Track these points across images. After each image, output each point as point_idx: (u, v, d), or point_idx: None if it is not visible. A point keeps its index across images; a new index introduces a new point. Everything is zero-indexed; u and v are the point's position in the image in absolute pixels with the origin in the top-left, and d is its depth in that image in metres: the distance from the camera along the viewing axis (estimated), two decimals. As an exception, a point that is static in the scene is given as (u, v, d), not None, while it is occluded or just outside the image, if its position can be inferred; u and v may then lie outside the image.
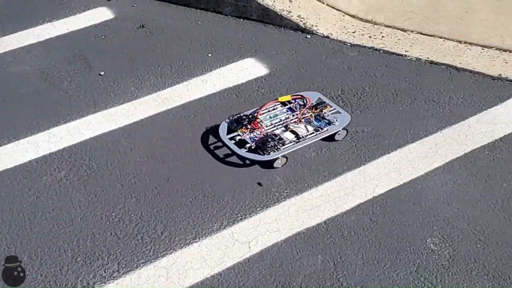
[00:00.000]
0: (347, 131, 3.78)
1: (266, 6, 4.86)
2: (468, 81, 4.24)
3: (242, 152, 3.61)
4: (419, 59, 4.43)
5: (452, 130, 3.79)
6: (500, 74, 4.22)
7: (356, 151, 3.73)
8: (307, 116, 3.77)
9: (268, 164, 3.63)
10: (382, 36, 4.70)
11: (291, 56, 4.60)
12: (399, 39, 4.65)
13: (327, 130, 3.69)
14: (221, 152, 3.78)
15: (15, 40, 4.96)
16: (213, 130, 3.92)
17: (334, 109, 3.84)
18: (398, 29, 4.79)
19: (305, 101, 3.87)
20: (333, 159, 3.71)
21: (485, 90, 4.11)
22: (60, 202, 3.53)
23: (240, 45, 4.75)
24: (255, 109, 3.90)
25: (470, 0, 5.10)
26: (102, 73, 4.53)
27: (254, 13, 4.98)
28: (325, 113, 3.79)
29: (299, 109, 3.82)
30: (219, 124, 3.86)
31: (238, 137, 3.70)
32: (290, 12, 4.86)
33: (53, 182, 3.65)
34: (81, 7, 5.34)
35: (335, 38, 4.73)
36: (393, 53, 4.51)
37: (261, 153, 3.57)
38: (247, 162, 3.71)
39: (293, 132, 3.71)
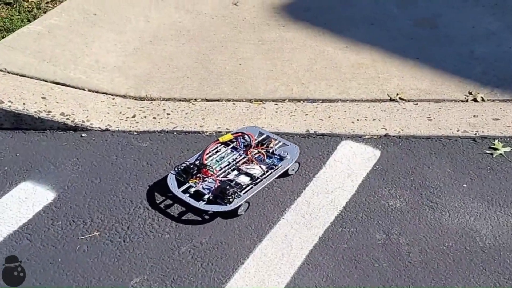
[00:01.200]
0: (299, 164, 3.71)
1: (16, 111, 4.01)
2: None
3: (202, 205, 3.37)
4: (219, 131, 4.09)
5: (294, 212, 3.55)
6: (307, 130, 4.12)
7: (207, 273, 3.24)
8: (258, 154, 3.67)
9: (232, 214, 3.42)
10: (168, 114, 4.26)
11: (75, 166, 3.88)
12: (187, 113, 4.26)
13: (281, 166, 3.58)
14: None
15: None
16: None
17: (279, 141, 3.75)
18: (180, 100, 4.39)
19: (247, 138, 3.76)
20: (184, 290, 3.17)
21: (302, 153, 3.94)
22: None
23: (5, 167, 3.84)
24: (198, 154, 3.69)
25: (237, 49, 4.93)
26: None
27: (5, 121, 4.08)
28: (271, 148, 3.70)
29: (244, 147, 3.73)
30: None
31: (192, 189, 3.47)
32: (49, 112, 4.10)
33: None
34: None
35: (117, 129, 4.13)
36: (188, 132, 4.09)
37: (222, 202, 3.34)
38: (206, 217, 3.43)
39: (247, 174, 3.54)
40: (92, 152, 3.99)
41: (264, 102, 4.35)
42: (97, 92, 4.40)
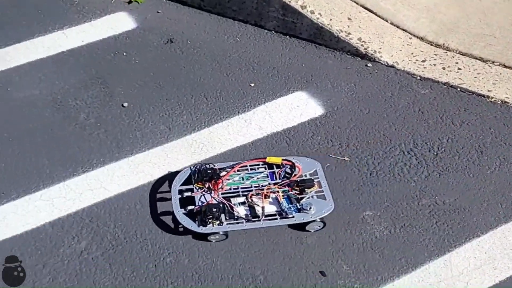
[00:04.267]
0: (324, 223, 3.24)
1: (320, 25, 4.30)
2: None
3: (179, 212, 3.22)
4: (505, 102, 3.89)
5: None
6: None
7: (438, 232, 3.25)
8: (275, 193, 3.27)
9: (202, 237, 3.23)
10: (458, 68, 4.16)
11: (350, 91, 4.08)
12: (478, 73, 4.11)
13: (293, 217, 3.17)
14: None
15: (21, 53, 4.43)
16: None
17: (322, 191, 3.29)
18: (476, 58, 4.24)
19: (293, 170, 3.38)
20: (410, 241, 3.23)
21: None
22: (80, 287, 3.07)
23: (288, 73, 4.22)
24: (231, 163, 3.45)
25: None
26: (125, 104, 4.03)
27: (304, 31, 4.43)
28: (306, 193, 3.26)
29: (281, 178, 3.36)
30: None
31: (188, 193, 3.29)
32: (349, 33, 4.31)
33: (72, 256, 3.20)
34: (97, 11, 4.80)
35: (402, 69, 4.19)
36: (473, 93, 3.98)
37: (197, 221, 3.16)
38: (180, 228, 3.30)
39: (251, 207, 3.22)
40: (371, 83, 4.14)
41: None
42: (397, 27, 4.48)
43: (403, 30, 4.48)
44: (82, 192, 3.52)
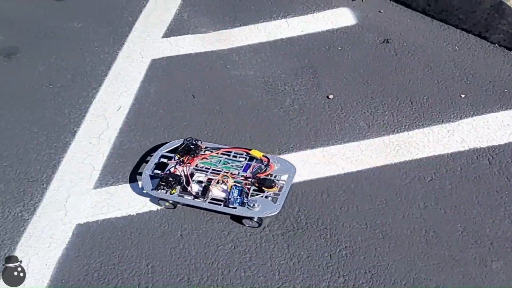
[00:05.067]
0: (259, 224, 3.33)
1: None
2: None
3: (145, 172, 3.55)
4: None
5: None
6: None
7: None
8: (227, 182, 3.42)
9: (154, 199, 3.49)
10: None
11: None
12: None
13: (235, 208, 3.31)
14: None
15: (244, 35, 4.74)
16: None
17: (279, 194, 3.35)
18: None
19: (266, 167, 3.50)
20: None
21: None
22: (257, 259, 3.23)
23: (505, 89, 4.00)
24: (219, 146, 3.68)
25: None
26: (330, 96, 4.11)
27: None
28: (264, 191, 3.37)
29: (252, 172, 3.48)
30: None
31: (165, 160, 3.61)
32: None
33: (255, 230, 3.37)
34: (321, 4, 4.97)
35: None
36: None
37: (154, 185, 3.44)
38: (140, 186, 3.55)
39: (206, 188, 3.40)
40: None
41: None
42: None
43: None
44: (274, 172, 3.68)
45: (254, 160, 3.59)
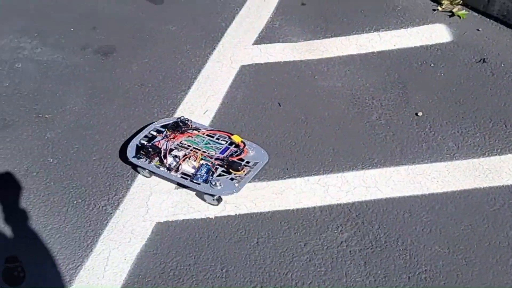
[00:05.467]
0: (218, 201, 3.52)
1: None
2: None
3: (134, 142, 3.80)
4: None
5: None
6: None
7: None
8: (196, 159, 3.61)
9: (133, 167, 3.80)
10: None
11: None
12: None
13: (199, 184, 3.50)
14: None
15: (334, 47, 4.70)
16: None
17: (243, 177, 3.50)
18: None
19: (240, 151, 3.67)
20: None
21: None
22: (332, 274, 3.19)
23: None
24: (207, 127, 3.92)
25: None
26: (420, 113, 4.00)
27: None
28: (231, 173, 3.54)
29: (228, 155, 3.65)
30: None
31: (154, 133, 3.85)
32: None
33: (332, 243, 3.32)
34: (417, 19, 4.86)
35: None
36: None
37: (135, 154, 3.71)
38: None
39: (177, 162, 3.60)
40: None
41: None
42: None
43: None
44: (356, 186, 3.62)
45: (233, 145, 3.74)
